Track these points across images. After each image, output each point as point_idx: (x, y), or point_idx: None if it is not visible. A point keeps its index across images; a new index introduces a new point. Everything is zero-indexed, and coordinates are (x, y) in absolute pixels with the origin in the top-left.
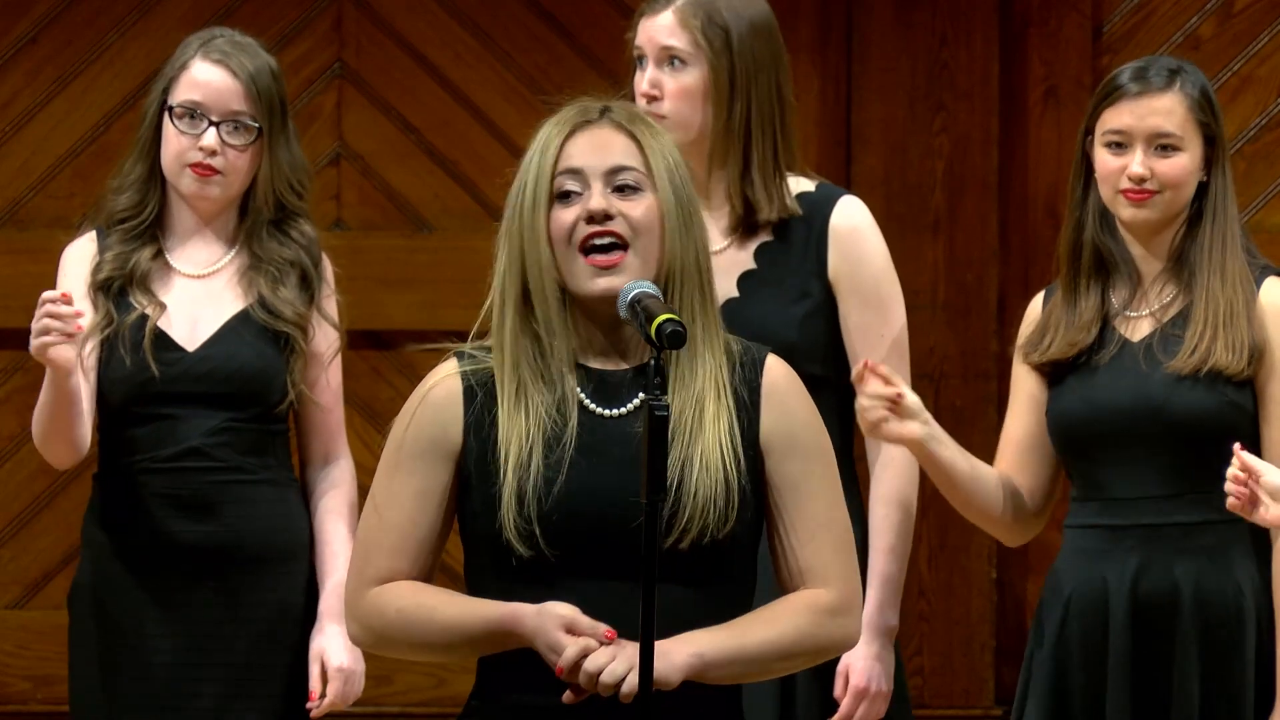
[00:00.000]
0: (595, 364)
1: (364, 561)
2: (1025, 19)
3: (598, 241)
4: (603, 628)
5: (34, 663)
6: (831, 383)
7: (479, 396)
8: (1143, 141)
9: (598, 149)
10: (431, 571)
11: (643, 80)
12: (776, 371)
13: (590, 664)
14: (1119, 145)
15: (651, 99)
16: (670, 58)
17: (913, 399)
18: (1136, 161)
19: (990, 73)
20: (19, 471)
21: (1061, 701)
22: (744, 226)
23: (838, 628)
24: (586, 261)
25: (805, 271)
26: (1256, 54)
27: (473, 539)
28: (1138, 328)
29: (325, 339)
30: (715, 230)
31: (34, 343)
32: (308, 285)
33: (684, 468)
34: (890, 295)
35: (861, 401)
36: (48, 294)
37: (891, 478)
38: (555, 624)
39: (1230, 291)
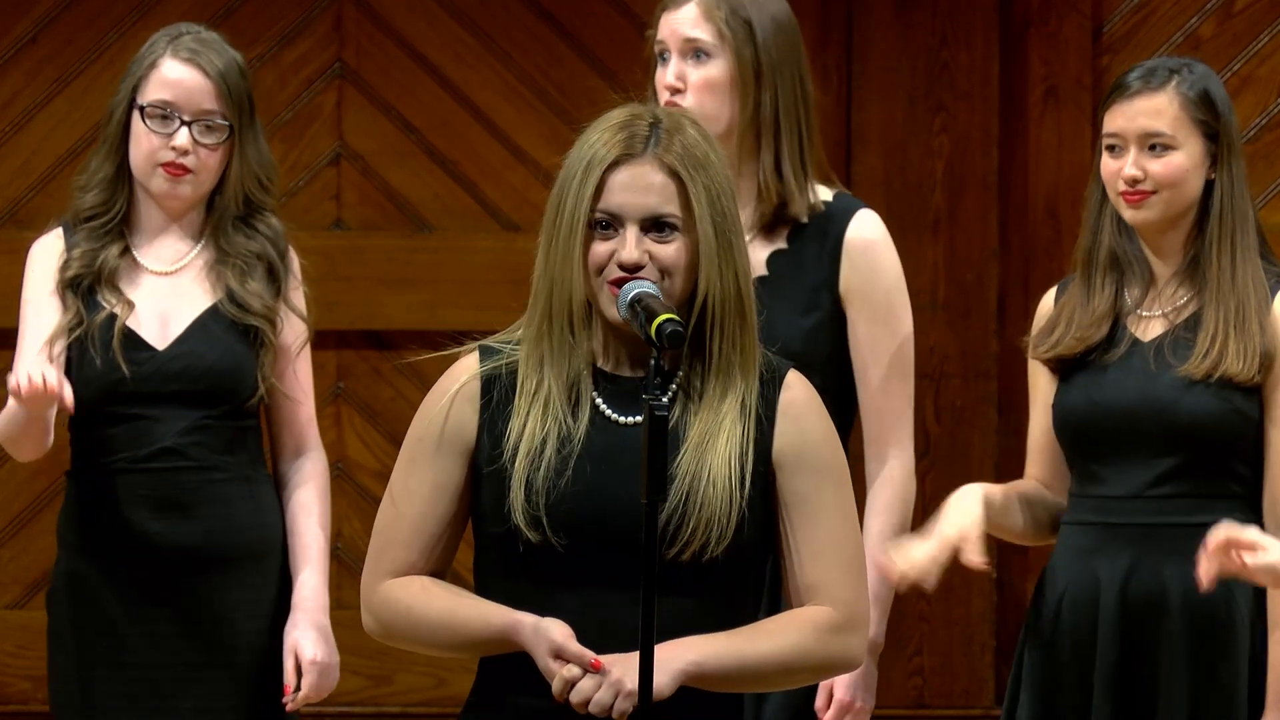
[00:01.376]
0: (614, 370)
1: (379, 553)
2: (1025, 19)
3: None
4: (589, 656)
5: (34, 663)
6: (830, 394)
7: (495, 392)
8: (1135, 142)
9: (638, 190)
10: (446, 565)
11: (666, 74)
12: (796, 389)
13: (576, 696)
14: (1116, 148)
15: (675, 91)
16: (694, 50)
17: (963, 528)
18: (1129, 163)
19: (990, 73)
20: (19, 471)
21: (1051, 699)
22: (769, 224)
23: (840, 646)
24: (612, 291)
25: (816, 283)
26: (1256, 54)
27: (483, 534)
28: (1149, 328)
29: (293, 331)
30: None
31: (14, 395)
32: (274, 278)
33: (693, 481)
34: (900, 312)
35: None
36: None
37: (889, 495)
38: (545, 649)
39: (1241, 293)
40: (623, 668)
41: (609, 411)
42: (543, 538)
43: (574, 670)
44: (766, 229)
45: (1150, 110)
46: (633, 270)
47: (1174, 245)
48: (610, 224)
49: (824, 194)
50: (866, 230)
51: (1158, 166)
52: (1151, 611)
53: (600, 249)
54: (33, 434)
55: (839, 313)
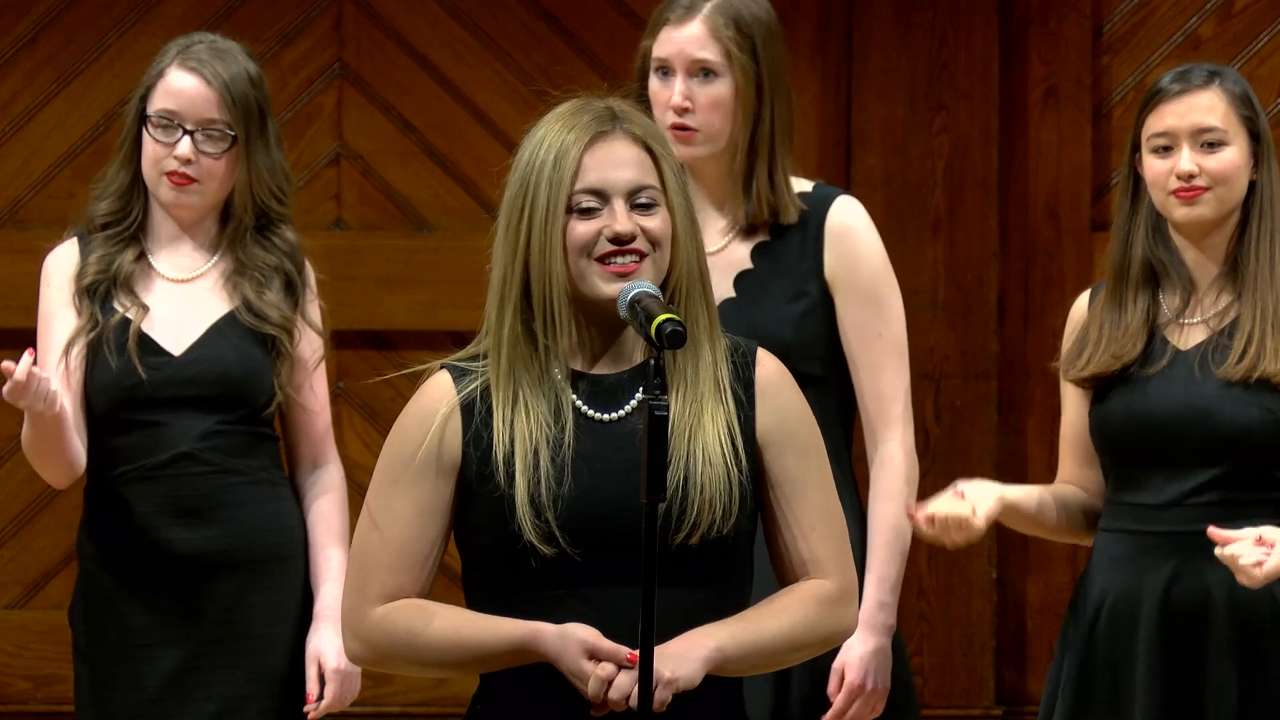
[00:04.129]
0: (590, 369)
1: (364, 579)
2: (1025, 19)
3: (618, 259)
4: (624, 652)
5: (34, 663)
6: (829, 382)
7: (476, 409)
8: (1188, 139)
9: (617, 165)
10: (430, 586)
11: (673, 93)
12: (768, 366)
13: (615, 692)
14: (1165, 148)
15: (683, 111)
16: (701, 69)
17: (970, 499)
18: (1184, 159)
19: (990, 73)
20: (19, 471)
21: (1087, 707)
22: (748, 228)
23: (841, 617)
24: (603, 269)
25: (802, 271)
26: (1256, 54)
27: (478, 550)
28: (1190, 336)
29: (310, 345)
30: (713, 230)
31: (11, 399)
32: (292, 290)
33: (689, 463)
34: (887, 294)
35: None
36: (5, 367)
37: (890, 476)
38: (577, 650)
39: (1279, 293)
40: (659, 658)
41: (590, 411)
42: (558, 550)
43: (609, 668)
44: (744, 230)
45: (1202, 107)
46: (627, 241)
47: (1216, 248)
48: (593, 205)
49: (803, 185)
50: (847, 216)
51: (1212, 163)
52: (1196, 619)
53: (585, 228)
54: (51, 446)
55: (827, 299)
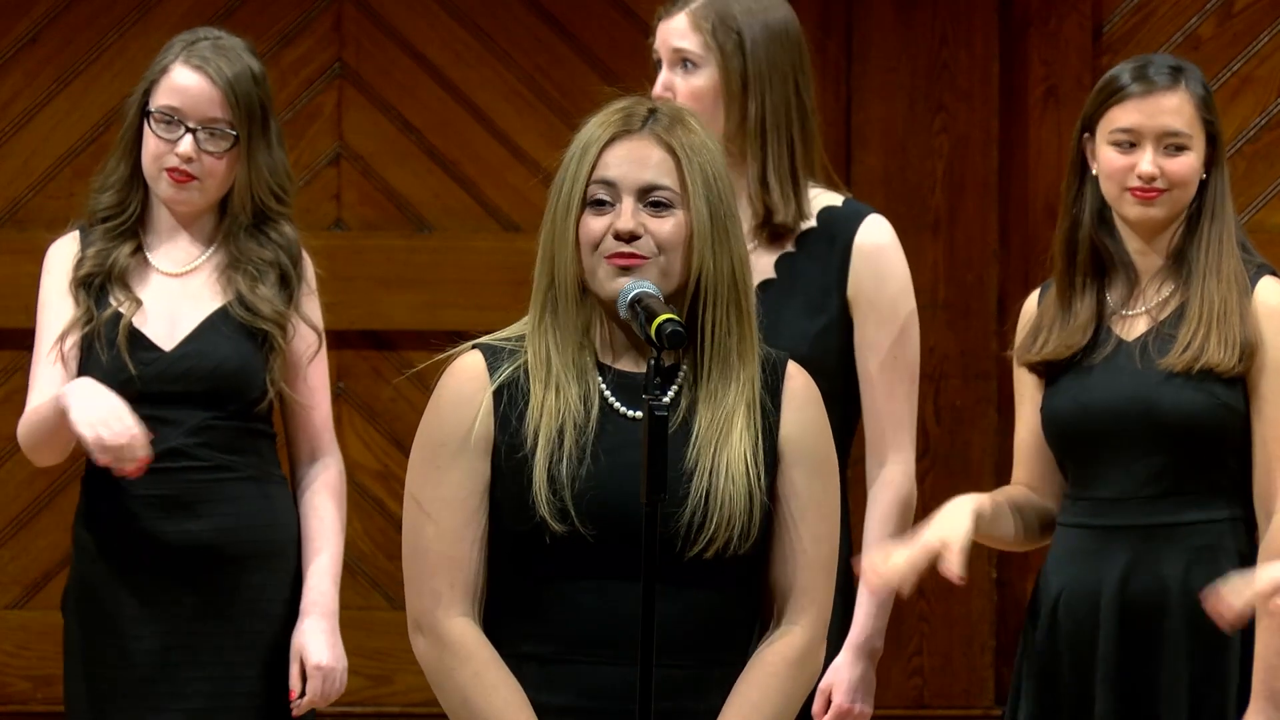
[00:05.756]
0: (618, 364)
1: (428, 577)
2: (1025, 19)
3: (620, 261)
4: None
5: (34, 663)
6: (835, 396)
7: (506, 389)
8: (1152, 140)
9: (634, 162)
10: (483, 569)
11: (657, 83)
12: (797, 379)
13: None
14: (1129, 144)
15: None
16: (682, 60)
17: (946, 536)
18: (1147, 161)
19: (990, 73)
20: (19, 472)
21: (1051, 701)
22: (765, 232)
23: (814, 666)
24: (609, 264)
25: (824, 286)
26: (1256, 54)
27: (501, 531)
28: (1133, 326)
29: (304, 339)
30: None
31: (100, 455)
32: (286, 285)
33: (711, 478)
34: (907, 318)
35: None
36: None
37: (890, 499)
38: None
39: (1225, 289)
40: None
41: (618, 405)
42: (570, 529)
43: None
44: (772, 235)
45: (1170, 109)
46: (629, 239)
47: (1162, 243)
48: (607, 199)
49: (834, 199)
50: (876, 235)
51: (1173, 166)
52: (1152, 610)
53: (595, 223)
54: (60, 442)
55: (846, 317)
